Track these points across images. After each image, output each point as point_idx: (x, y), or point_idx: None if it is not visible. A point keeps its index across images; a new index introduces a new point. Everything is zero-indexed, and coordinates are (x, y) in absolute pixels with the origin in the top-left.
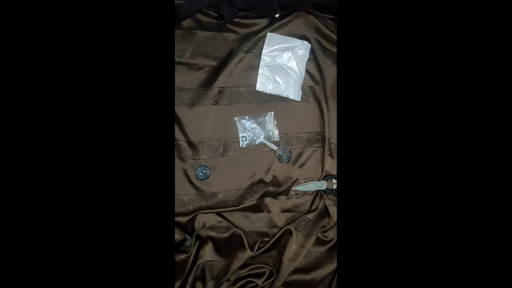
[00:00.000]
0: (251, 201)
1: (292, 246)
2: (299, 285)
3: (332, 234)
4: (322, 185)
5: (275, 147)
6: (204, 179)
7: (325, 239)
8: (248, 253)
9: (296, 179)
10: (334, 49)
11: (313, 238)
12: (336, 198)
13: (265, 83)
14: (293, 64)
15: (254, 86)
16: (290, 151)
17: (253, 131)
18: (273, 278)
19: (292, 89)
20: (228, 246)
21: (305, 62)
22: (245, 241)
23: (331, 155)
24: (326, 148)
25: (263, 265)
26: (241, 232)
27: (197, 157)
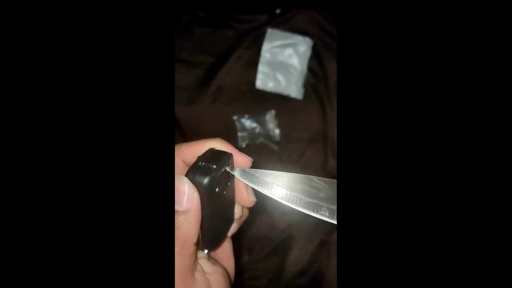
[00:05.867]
0: None
1: (294, 251)
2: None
3: None
4: None
5: (276, 147)
6: None
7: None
8: (246, 258)
9: None
10: None
11: (315, 242)
12: None
13: (265, 80)
14: (294, 61)
15: (254, 83)
16: (291, 151)
17: (253, 130)
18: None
19: (293, 87)
20: None
21: (307, 59)
22: (243, 245)
23: (333, 155)
24: (328, 148)
25: (261, 273)
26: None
27: None
